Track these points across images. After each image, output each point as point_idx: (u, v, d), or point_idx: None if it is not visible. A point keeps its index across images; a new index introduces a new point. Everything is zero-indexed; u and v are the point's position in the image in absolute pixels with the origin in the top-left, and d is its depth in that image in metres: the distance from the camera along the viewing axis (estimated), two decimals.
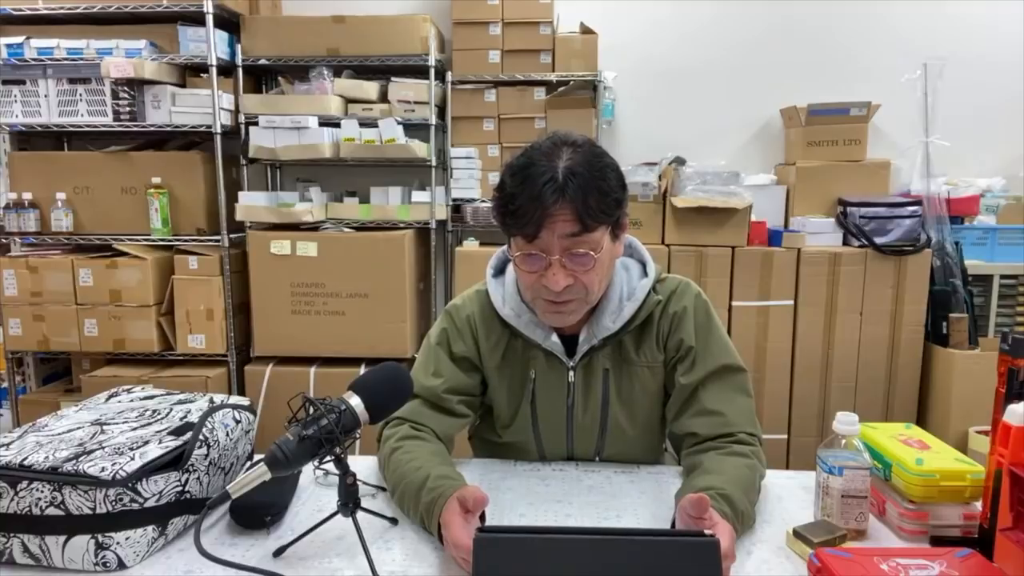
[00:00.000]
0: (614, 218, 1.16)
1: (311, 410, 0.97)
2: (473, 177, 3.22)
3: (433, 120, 3.11)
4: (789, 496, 1.22)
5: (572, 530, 0.93)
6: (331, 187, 3.33)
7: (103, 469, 0.95)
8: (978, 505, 1.02)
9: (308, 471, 1.22)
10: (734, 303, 2.97)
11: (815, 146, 3.14)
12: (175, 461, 1.03)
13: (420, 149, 3.02)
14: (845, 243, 3.01)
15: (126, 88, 2.98)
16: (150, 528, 0.99)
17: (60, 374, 3.48)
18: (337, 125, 3.04)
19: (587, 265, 1.15)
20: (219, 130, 2.99)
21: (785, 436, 3.04)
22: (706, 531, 0.86)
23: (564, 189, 1.10)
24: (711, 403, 1.24)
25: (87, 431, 1.09)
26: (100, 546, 0.95)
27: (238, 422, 1.19)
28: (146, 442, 1.04)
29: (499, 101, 3.19)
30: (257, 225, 3.09)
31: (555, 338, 1.27)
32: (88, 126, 3.05)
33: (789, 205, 3.18)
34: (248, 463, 1.23)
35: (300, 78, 3.13)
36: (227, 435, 1.15)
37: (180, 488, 1.03)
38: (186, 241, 3.09)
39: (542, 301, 1.20)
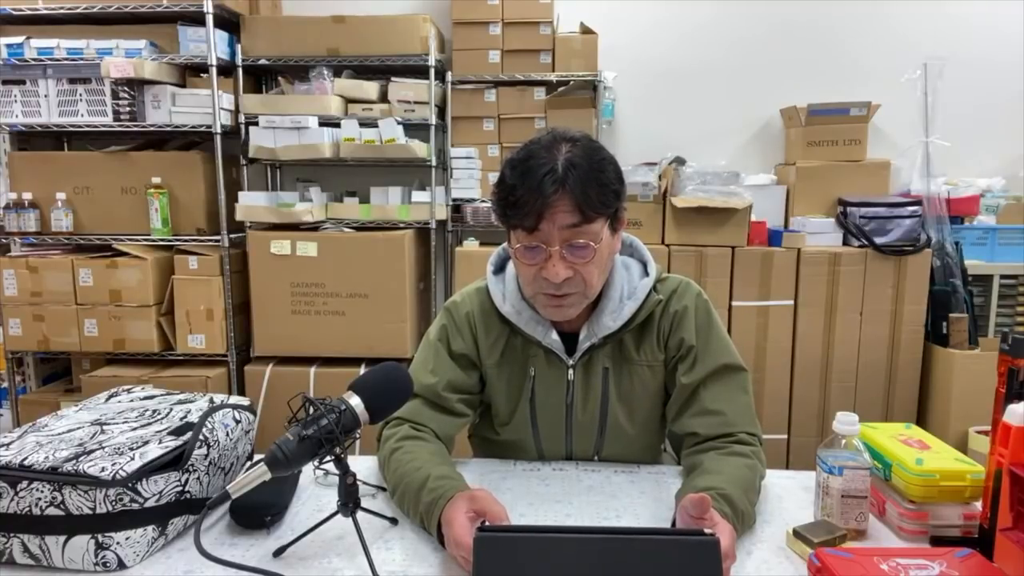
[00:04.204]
0: (613, 210, 1.17)
1: (311, 410, 0.97)
2: (473, 177, 3.22)
3: (433, 120, 3.11)
4: (789, 496, 1.22)
5: (572, 529, 0.93)
6: (331, 187, 3.33)
7: (103, 469, 0.95)
8: (978, 505, 1.02)
9: (308, 471, 1.22)
10: (734, 303, 2.97)
11: (815, 146, 3.14)
12: (175, 461, 1.03)
13: (420, 149, 3.02)
14: (845, 243, 3.01)
15: (126, 88, 2.98)
16: (150, 528, 0.99)
17: (60, 374, 3.47)
18: (337, 125, 3.04)
19: (587, 257, 1.15)
20: (219, 130, 2.99)
21: (785, 436, 3.04)
22: (706, 530, 0.86)
23: (564, 180, 1.11)
24: (711, 403, 1.24)
25: (87, 431, 1.09)
26: (100, 546, 0.95)
27: (238, 422, 1.19)
28: (146, 442, 1.04)
29: (499, 101, 3.19)
30: (257, 225, 3.09)
31: (555, 336, 1.27)
32: (88, 126, 3.05)
33: (789, 205, 3.18)
34: (248, 463, 1.23)
35: (300, 78, 3.13)
36: (227, 435, 1.15)
37: (180, 488, 1.03)
38: (186, 241, 3.09)
39: (542, 295, 1.20)
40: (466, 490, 1.04)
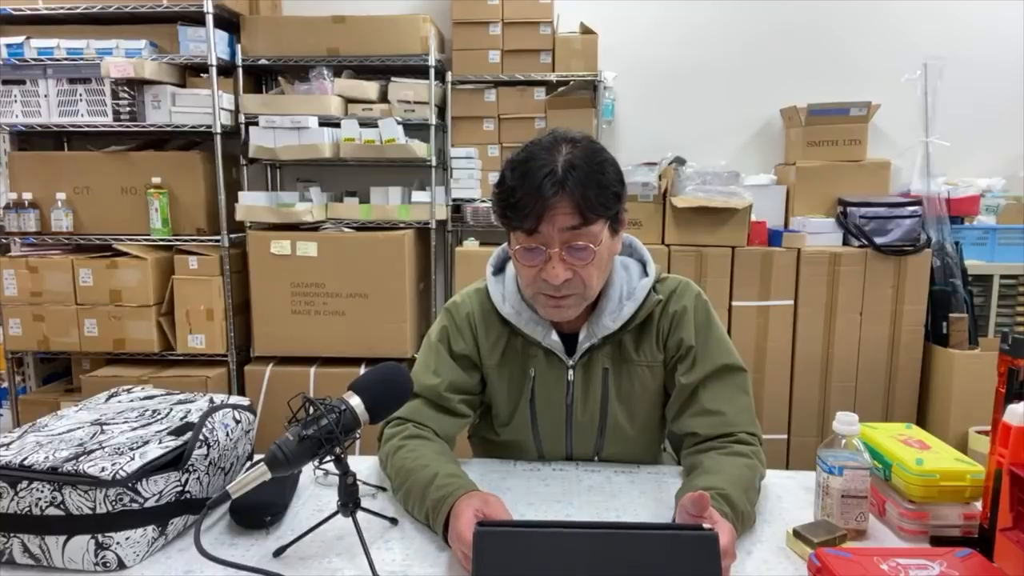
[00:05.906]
0: (613, 212, 1.17)
1: (311, 410, 0.97)
2: (473, 177, 3.22)
3: (433, 120, 3.11)
4: (789, 496, 1.22)
5: (572, 524, 0.93)
6: (331, 187, 3.33)
7: (103, 469, 0.95)
8: (978, 505, 1.02)
9: (308, 471, 1.22)
10: (734, 303, 2.97)
11: (815, 146, 3.14)
12: (175, 461, 1.03)
13: (420, 149, 3.02)
14: (845, 243, 3.01)
15: (126, 88, 2.98)
16: (150, 528, 0.99)
17: (60, 374, 3.47)
18: (337, 125, 3.04)
19: (586, 259, 1.15)
20: (219, 130, 2.99)
21: (785, 436, 3.03)
22: (705, 525, 0.86)
23: (564, 182, 1.11)
24: (711, 403, 1.24)
25: (87, 431, 1.09)
26: (100, 546, 0.95)
27: (238, 422, 1.19)
28: (146, 442, 1.04)
29: (499, 101, 3.19)
30: (257, 225, 3.09)
31: (555, 336, 1.27)
32: (88, 126, 3.05)
33: (789, 205, 3.18)
34: (248, 463, 1.23)
35: (300, 78, 3.13)
36: (227, 435, 1.15)
37: (180, 488, 1.03)
38: (186, 241, 3.09)
39: (542, 296, 1.20)
40: (478, 491, 1.04)
